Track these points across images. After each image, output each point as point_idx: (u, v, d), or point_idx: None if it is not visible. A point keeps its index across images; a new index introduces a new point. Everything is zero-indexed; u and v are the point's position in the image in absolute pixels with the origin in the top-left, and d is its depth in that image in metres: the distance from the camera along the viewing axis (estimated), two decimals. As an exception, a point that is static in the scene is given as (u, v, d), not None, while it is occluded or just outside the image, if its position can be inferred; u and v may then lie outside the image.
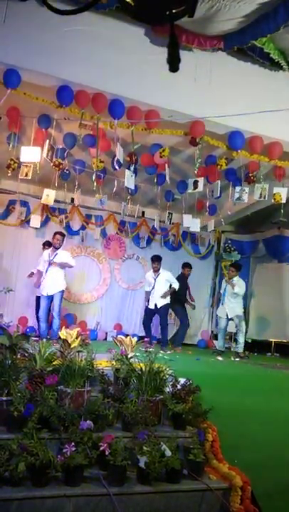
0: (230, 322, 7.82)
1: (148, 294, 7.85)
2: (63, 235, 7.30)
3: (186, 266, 8.65)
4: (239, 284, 7.70)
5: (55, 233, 7.22)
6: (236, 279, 7.75)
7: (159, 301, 7.66)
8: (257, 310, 9.50)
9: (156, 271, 7.76)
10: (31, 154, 6.19)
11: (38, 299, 7.60)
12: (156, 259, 7.78)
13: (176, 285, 7.75)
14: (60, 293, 7.06)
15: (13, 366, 3.57)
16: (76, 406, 3.49)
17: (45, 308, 7.05)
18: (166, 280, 7.71)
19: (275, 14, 4.98)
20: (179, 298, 8.26)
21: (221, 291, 8.11)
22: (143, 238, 9.62)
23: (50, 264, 6.99)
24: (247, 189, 6.84)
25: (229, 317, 7.74)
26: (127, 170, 6.39)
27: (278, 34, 5.29)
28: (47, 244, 7.74)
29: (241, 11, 5.06)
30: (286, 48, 5.70)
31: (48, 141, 6.34)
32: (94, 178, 6.68)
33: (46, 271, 7.01)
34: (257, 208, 8.31)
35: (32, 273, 7.74)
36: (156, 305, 7.67)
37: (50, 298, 7.02)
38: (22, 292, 8.31)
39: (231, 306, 7.73)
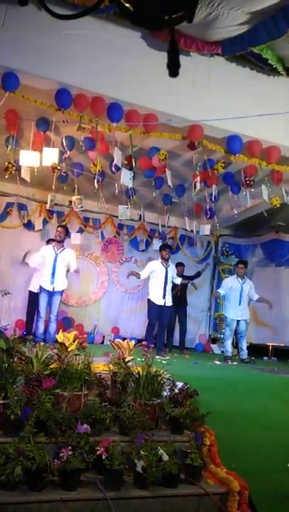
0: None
1: (133, 274, 7.12)
2: (66, 228, 7.00)
3: (180, 265, 8.56)
4: (251, 285, 7.61)
5: (58, 226, 6.98)
6: (247, 279, 7.64)
7: (169, 297, 6.96)
8: (254, 314, 9.49)
9: (167, 260, 6.97)
10: (31, 159, 6.18)
11: (31, 295, 7.55)
12: (168, 247, 7.22)
13: (178, 281, 7.41)
14: (61, 292, 6.77)
15: (10, 369, 3.56)
16: (73, 410, 3.49)
17: (46, 307, 6.65)
18: (173, 274, 7.20)
19: (275, 22, 4.99)
20: (181, 298, 8.18)
21: (222, 292, 7.63)
22: (142, 241, 9.61)
23: (56, 258, 6.61)
24: (248, 192, 6.84)
25: (241, 319, 7.45)
26: (124, 169, 6.27)
27: (276, 41, 5.30)
28: (51, 240, 7.54)
29: (239, 19, 5.07)
30: (284, 54, 5.72)
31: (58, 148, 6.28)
32: (98, 181, 6.66)
33: (54, 266, 6.61)
34: (255, 211, 8.33)
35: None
36: (165, 303, 6.92)
37: (52, 295, 6.63)
38: (19, 295, 8.28)
39: (246, 309, 7.52)
